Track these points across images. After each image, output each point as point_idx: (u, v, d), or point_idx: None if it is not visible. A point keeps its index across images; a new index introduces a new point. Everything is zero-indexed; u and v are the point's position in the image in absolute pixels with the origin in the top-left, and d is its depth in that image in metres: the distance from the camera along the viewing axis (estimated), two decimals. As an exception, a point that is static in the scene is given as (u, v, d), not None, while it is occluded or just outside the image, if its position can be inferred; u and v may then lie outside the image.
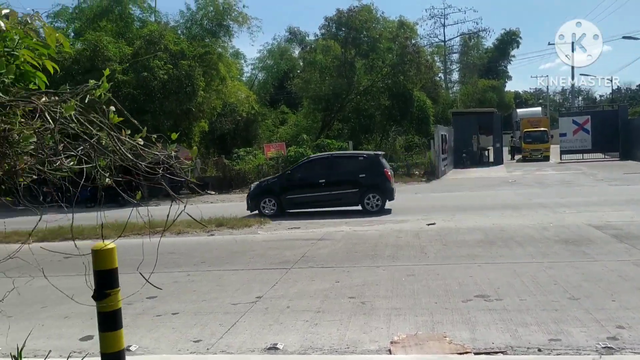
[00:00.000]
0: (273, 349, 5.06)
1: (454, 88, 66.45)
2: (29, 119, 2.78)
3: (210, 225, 13.12)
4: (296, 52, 47.01)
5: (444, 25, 64.76)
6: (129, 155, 2.77)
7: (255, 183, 17.57)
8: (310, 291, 7.12)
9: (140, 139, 2.85)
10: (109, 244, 3.39)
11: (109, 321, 3.49)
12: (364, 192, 15.68)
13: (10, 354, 3.51)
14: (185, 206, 2.86)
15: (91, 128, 2.78)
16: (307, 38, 45.00)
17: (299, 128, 38.70)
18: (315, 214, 15.59)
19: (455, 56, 68.64)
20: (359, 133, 35.84)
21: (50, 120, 2.62)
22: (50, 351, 4.16)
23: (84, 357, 3.82)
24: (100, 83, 2.78)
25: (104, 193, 2.93)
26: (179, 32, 31.37)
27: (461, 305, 6.15)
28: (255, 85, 46.20)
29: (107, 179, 2.84)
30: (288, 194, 15.77)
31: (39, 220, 2.84)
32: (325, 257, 9.45)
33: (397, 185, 24.72)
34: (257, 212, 15.77)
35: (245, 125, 37.00)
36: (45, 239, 11.15)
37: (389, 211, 15.63)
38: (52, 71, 3.12)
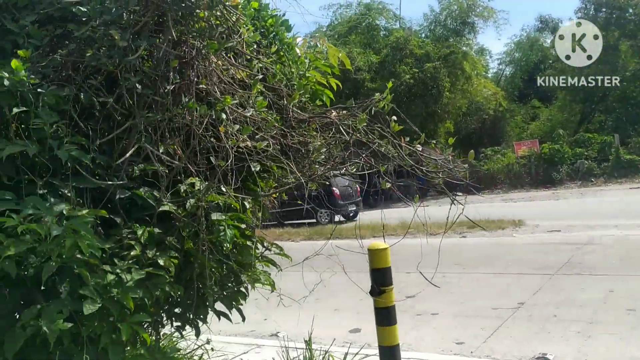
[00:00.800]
0: (542, 358, 4.75)
1: None
2: (320, 132, 3.17)
3: (461, 227, 12.62)
4: (547, 41, 43.04)
5: None
6: (409, 160, 2.94)
7: None
8: (579, 300, 6.46)
9: (418, 145, 3.01)
10: (383, 244, 3.61)
11: (385, 316, 3.66)
12: (316, 208, 17.05)
13: (303, 339, 4.04)
14: (464, 208, 2.89)
15: (373, 136, 3.02)
16: (560, 25, 41.14)
17: (553, 123, 35.21)
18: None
19: None
20: (626, 124, 30.87)
21: (344, 133, 2.95)
22: (334, 339, 4.61)
23: (360, 349, 4.15)
24: (384, 96, 3.02)
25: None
26: (423, 35, 31.75)
27: None
28: (502, 81, 43.39)
29: (387, 184, 3.03)
30: None
31: (336, 222, 3.19)
32: (595, 263, 8.48)
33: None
34: None
35: (492, 123, 35.05)
36: (310, 238, 12.51)
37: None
38: (335, 88, 3.49)
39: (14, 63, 2.31)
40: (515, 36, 46.09)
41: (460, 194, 2.89)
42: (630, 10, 31.98)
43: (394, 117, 2.98)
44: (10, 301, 2.37)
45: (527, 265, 8.88)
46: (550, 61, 39.21)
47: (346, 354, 3.93)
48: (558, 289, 7.09)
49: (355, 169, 3.14)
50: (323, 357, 3.90)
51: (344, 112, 3.11)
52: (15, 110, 2.34)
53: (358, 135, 2.98)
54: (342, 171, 3.20)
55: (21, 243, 2.18)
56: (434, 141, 3.12)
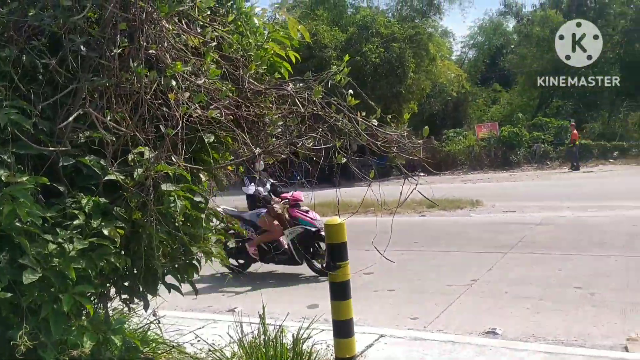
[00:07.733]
0: (492, 333, 4.75)
1: None
2: (276, 104, 3.02)
3: (421, 206, 12.39)
4: (510, 26, 43.10)
5: None
6: (365, 135, 2.80)
7: None
8: (530, 277, 6.53)
9: (374, 120, 2.87)
10: (339, 220, 3.61)
11: (340, 291, 3.68)
12: None
13: (258, 313, 3.85)
14: (417, 185, 2.87)
15: (330, 110, 2.86)
16: (523, 10, 40.99)
17: (512, 107, 35.64)
18: None
19: None
20: (583, 109, 31.76)
21: (299, 105, 2.85)
22: (288, 313, 4.42)
23: (311, 322, 3.80)
24: (341, 69, 2.90)
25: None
26: (389, 15, 31.42)
27: None
28: (465, 64, 42.25)
29: (343, 159, 2.93)
30: None
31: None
32: (546, 242, 8.48)
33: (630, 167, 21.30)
34: None
35: (455, 105, 34.58)
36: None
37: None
38: (294, 61, 3.32)
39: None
40: (479, 19, 48.04)
41: (422, 174, 2.69)
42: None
43: (350, 91, 2.86)
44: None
45: (482, 243, 8.83)
46: (512, 46, 38.99)
47: (300, 328, 3.78)
48: (510, 267, 7.12)
49: (311, 143, 2.98)
50: (276, 331, 3.77)
51: (301, 84, 2.98)
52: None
53: (314, 108, 2.84)
54: (299, 145, 3.04)
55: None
56: (389, 116, 2.96)
